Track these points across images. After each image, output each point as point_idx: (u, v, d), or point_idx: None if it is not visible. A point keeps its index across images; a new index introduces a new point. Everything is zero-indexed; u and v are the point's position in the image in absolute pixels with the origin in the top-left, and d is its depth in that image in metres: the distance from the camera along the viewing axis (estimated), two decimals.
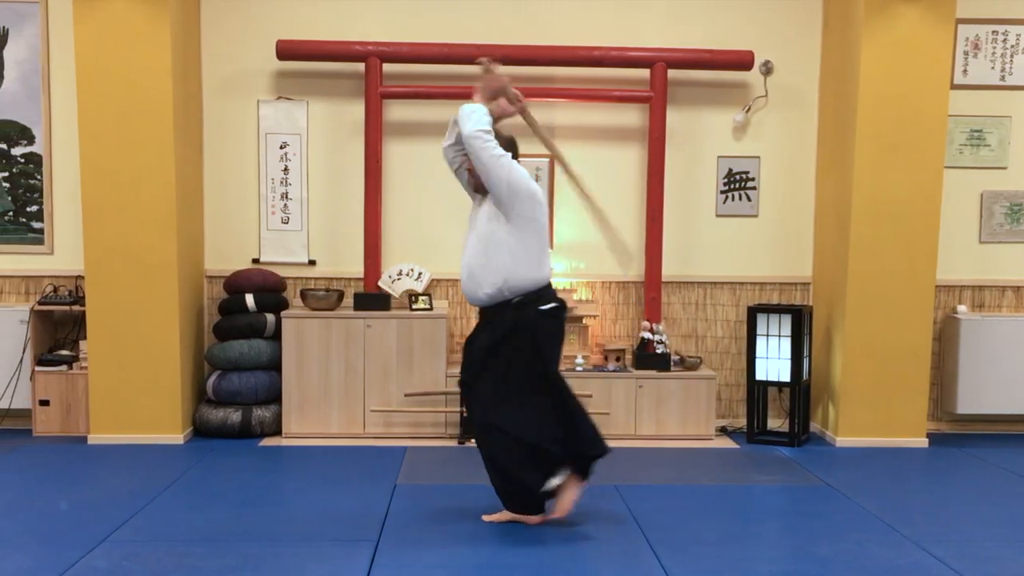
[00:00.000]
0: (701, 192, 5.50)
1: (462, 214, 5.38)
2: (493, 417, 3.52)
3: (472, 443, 4.98)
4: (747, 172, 5.48)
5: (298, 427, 5.06)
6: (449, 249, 5.40)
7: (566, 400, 3.56)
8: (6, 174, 5.31)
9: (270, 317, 5.17)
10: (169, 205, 4.86)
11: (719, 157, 5.48)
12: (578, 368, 5.16)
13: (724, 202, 5.50)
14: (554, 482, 3.55)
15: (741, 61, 5.24)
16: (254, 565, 3.20)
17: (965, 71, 5.36)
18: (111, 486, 4.16)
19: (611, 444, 4.95)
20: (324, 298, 5.12)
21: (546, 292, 3.57)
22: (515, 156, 3.59)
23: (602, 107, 5.41)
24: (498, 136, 3.54)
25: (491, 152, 3.43)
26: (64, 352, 5.23)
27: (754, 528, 3.73)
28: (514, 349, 3.49)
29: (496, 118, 3.58)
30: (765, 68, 5.39)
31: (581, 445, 3.54)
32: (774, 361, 5.10)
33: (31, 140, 5.29)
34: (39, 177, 5.30)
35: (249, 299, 5.11)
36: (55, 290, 5.24)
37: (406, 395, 5.06)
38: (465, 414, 4.67)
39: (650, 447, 5.02)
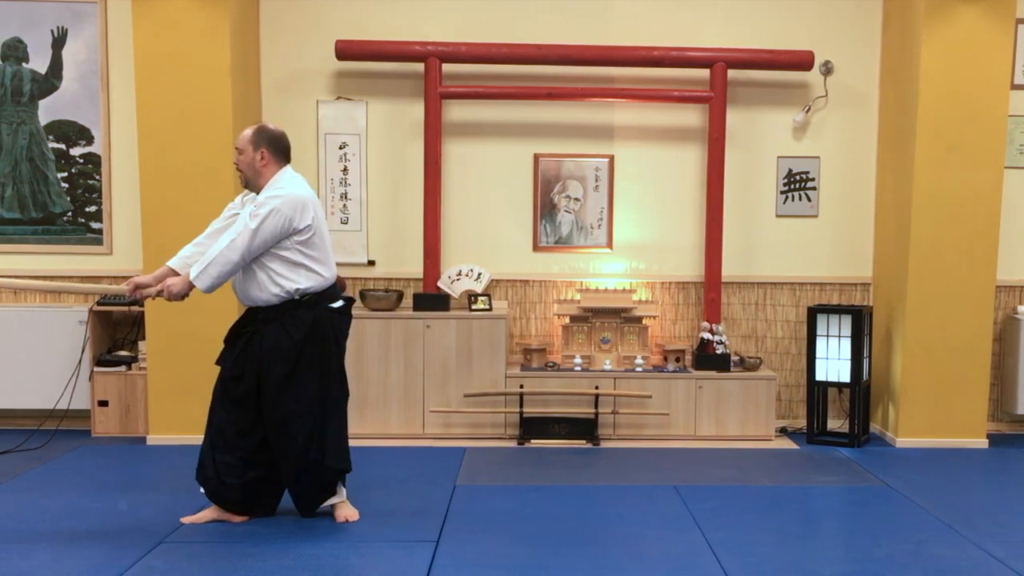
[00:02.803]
0: (761, 192, 5.75)
1: (522, 215, 5.70)
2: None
3: (532, 443, 5.24)
4: (807, 172, 5.73)
5: (357, 428, 5.26)
6: (509, 250, 5.73)
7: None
8: (65, 174, 5.57)
9: None
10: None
11: (779, 157, 5.73)
12: (638, 368, 5.42)
13: (784, 202, 5.75)
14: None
15: (801, 61, 5.48)
16: (314, 565, 3.36)
17: None
18: (170, 486, 4.34)
19: (671, 445, 5.24)
20: (383, 298, 5.36)
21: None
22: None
23: (662, 107, 5.67)
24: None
25: (230, 256, 3.63)
26: (123, 353, 5.49)
27: (814, 529, 3.93)
28: None
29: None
30: (825, 68, 5.63)
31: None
32: (834, 362, 5.34)
33: (90, 140, 5.55)
34: (98, 177, 5.56)
35: None
36: None
37: (465, 396, 5.30)
38: None
39: (710, 448, 5.24)
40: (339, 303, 3.88)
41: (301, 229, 3.69)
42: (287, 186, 3.72)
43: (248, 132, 3.78)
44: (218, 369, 3.90)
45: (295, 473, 3.81)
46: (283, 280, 3.71)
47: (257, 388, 3.77)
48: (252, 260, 3.68)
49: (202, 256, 3.72)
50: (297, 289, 3.73)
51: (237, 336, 3.85)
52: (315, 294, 3.77)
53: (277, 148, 3.79)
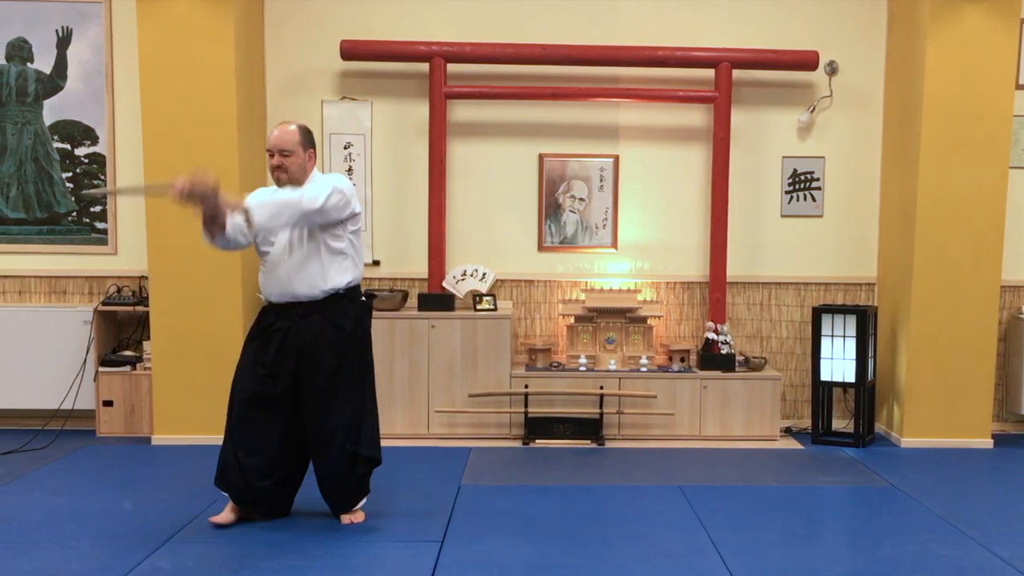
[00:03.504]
0: (766, 192, 5.78)
1: (527, 215, 5.72)
2: None
3: (537, 443, 5.25)
4: (812, 172, 5.75)
5: None
6: (514, 250, 5.76)
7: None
8: (70, 174, 5.60)
9: None
10: None
11: (784, 157, 5.75)
12: (642, 368, 5.44)
13: (789, 202, 5.77)
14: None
15: (806, 61, 5.51)
16: (319, 566, 3.38)
17: None
18: (175, 487, 4.37)
19: (676, 445, 5.26)
20: (388, 298, 5.38)
21: None
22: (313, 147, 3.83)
23: (667, 107, 5.70)
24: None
25: (294, 203, 3.53)
26: (128, 353, 5.51)
27: (818, 529, 3.93)
28: None
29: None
30: (830, 68, 5.66)
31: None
32: (839, 362, 5.37)
33: (95, 140, 5.57)
34: (103, 177, 5.58)
35: None
36: (119, 290, 5.51)
37: (470, 396, 5.33)
38: None
39: (715, 448, 5.26)
40: (364, 297, 3.94)
41: (356, 214, 3.77)
42: (336, 177, 3.79)
43: (295, 134, 3.70)
44: (228, 370, 3.90)
45: (332, 468, 3.78)
46: (335, 275, 3.74)
47: (293, 385, 3.75)
48: (304, 256, 3.69)
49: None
50: (348, 283, 3.78)
51: (269, 334, 3.78)
52: (355, 287, 3.85)
53: (314, 147, 3.85)
